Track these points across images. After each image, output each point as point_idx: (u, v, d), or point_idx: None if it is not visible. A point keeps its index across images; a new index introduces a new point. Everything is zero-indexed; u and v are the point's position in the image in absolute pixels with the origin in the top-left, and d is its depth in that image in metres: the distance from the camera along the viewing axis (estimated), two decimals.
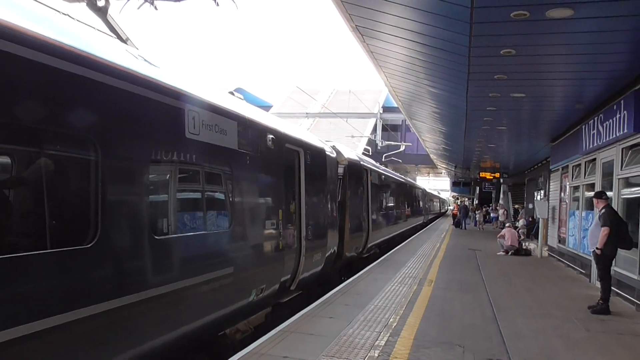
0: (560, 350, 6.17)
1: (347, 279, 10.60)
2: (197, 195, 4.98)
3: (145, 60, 4.94)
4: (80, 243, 3.40)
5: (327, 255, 9.44)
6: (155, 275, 4.19)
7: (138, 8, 7.21)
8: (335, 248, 10.27)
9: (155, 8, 7.24)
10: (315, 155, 8.83)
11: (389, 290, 9.35)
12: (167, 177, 4.58)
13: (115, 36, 5.74)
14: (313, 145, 8.83)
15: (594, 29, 6.94)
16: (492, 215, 33.94)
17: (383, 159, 35.42)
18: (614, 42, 7.52)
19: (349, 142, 34.50)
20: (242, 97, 7.55)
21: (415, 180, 61.49)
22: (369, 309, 7.77)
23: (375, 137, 33.72)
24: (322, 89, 63.74)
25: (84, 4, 5.51)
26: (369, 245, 13.92)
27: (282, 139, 7.10)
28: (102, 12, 5.45)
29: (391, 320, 7.16)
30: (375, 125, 40.47)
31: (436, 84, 11.48)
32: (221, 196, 5.53)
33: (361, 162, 13.35)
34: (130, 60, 4.17)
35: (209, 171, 5.25)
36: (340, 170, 11.32)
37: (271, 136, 6.61)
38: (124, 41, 5.79)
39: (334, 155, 10.40)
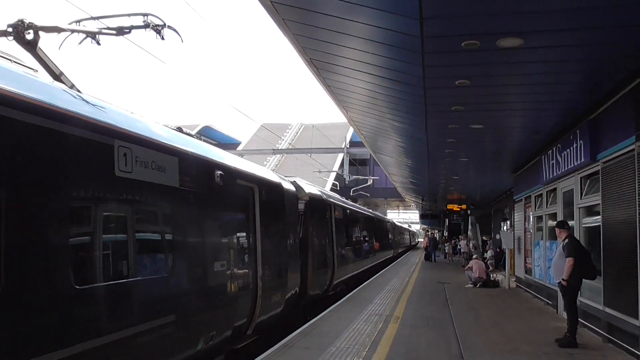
0: None
1: (312, 319, 10.17)
2: (125, 238, 4.58)
3: (76, 95, 4.62)
4: None
5: (287, 295, 9.03)
6: (77, 330, 3.76)
7: (79, 44, 6.93)
8: (298, 287, 9.87)
9: (98, 43, 6.96)
10: (272, 191, 8.53)
11: (354, 330, 8.97)
12: (92, 219, 4.19)
13: (46, 71, 5.41)
14: (269, 180, 8.54)
15: (545, 59, 6.95)
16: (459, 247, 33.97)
17: (351, 194, 35.36)
18: (565, 72, 7.58)
19: (316, 178, 34.43)
20: (191, 134, 7.24)
21: (385, 213, 61.69)
22: (331, 351, 7.37)
23: (342, 172, 33.63)
24: (290, 124, 64.09)
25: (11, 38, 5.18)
26: (334, 283, 13.54)
27: (232, 175, 6.79)
28: (30, 47, 5.12)
29: None
30: (343, 160, 40.59)
31: (396, 116, 11.42)
32: (158, 238, 5.15)
33: (324, 197, 13.09)
34: (45, 93, 3.83)
35: (144, 211, 4.88)
36: (302, 206, 11.03)
37: (219, 172, 6.30)
38: (57, 76, 5.45)
39: (293, 190, 10.12)
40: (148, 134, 4.95)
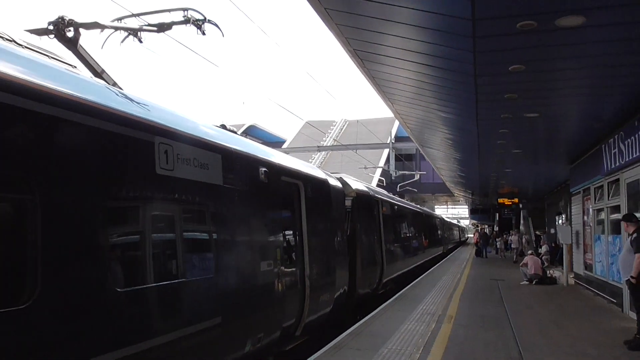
0: None
1: (362, 318, 9.90)
2: (170, 238, 4.45)
3: (119, 92, 4.52)
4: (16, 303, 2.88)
5: (336, 294, 8.79)
6: (120, 335, 3.65)
7: (121, 42, 6.91)
8: (346, 286, 9.62)
9: (140, 41, 6.92)
10: (318, 187, 8.31)
11: (405, 330, 8.64)
12: (131, 218, 4.07)
13: (87, 69, 5.37)
14: (315, 177, 8.32)
15: (608, 38, 6.42)
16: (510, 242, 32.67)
17: (398, 190, 34.81)
18: (630, 52, 6.96)
19: (362, 174, 34.08)
20: (235, 132, 7.10)
21: (433, 209, 60.56)
22: (383, 353, 7.09)
23: (388, 168, 33.15)
24: (334, 121, 63.88)
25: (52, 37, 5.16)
26: (384, 281, 13.20)
27: (277, 172, 6.60)
28: (71, 44, 5.08)
29: None
30: (389, 155, 40.00)
31: (445, 107, 10.98)
32: (202, 238, 5.00)
33: (371, 193, 12.77)
34: (83, 89, 3.72)
35: (187, 210, 4.74)
36: (349, 202, 10.76)
37: (264, 169, 6.12)
38: (99, 74, 5.41)
39: (339, 187, 9.87)
40: (190, 130, 4.81)
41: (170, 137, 4.38)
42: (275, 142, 57.89)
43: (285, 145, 50.21)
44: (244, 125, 60.91)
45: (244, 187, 5.65)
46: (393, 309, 10.89)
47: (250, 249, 5.73)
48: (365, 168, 32.12)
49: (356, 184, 11.62)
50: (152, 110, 4.57)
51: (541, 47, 6.74)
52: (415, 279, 17.01)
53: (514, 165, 17.80)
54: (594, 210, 13.53)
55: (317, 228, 7.99)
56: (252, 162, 5.93)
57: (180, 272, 4.48)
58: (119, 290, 3.64)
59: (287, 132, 62.97)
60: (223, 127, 6.96)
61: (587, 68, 7.64)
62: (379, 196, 14.05)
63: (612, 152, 11.06)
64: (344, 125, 60.27)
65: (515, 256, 26.10)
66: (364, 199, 11.74)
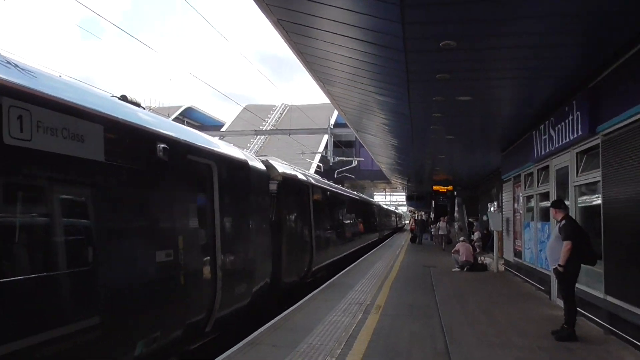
0: None
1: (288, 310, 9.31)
2: (30, 222, 3.62)
3: None
4: None
5: (256, 285, 8.14)
6: None
7: None
8: (269, 276, 8.98)
9: None
10: (235, 169, 7.58)
11: (330, 322, 8.13)
12: None
13: None
14: (231, 157, 7.57)
15: (542, 13, 6.02)
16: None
17: (335, 176, 34.49)
18: (564, 30, 6.65)
19: (301, 160, 33.47)
20: (138, 104, 6.25)
21: (372, 196, 60.98)
22: (300, 349, 6.52)
23: (327, 154, 32.70)
24: (275, 105, 62.85)
25: None
26: (313, 269, 12.68)
27: (181, 150, 5.83)
28: None
29: None
30: (328, 141, 39.57)
31: (378, 88, 10.47)
32: (72, 224, 4.18)
33: (300, 177, 12.15)
34: None
35: (51, 189, 3.90)
36: (274, 186, 10.09)
37: (163, 145, 5.33)
38: None
39: (263, 169, 9.16)
40: (58, 94, 3.94)
41: (26, 99, 3.53)
42: (213, 125, 56.41)
43: (223, 129, 48.83)
44: (181, 106, 58.89)
45: (135, 165, 4.85)
46: (320, 298, 10.37)
47: (140, 237, 4.95)
48: (303, 153, 31.55)
49: (283, 167, 10.96)
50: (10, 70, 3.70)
51: (473, 22, 6.30)
52: (348, 267, 16.63)
53: (447, 151, 17.73)
54: (523, 197, 13.54)
55: (232, 214, 7.28)
56: (146, 137, 5.12)
57: (38, 265, 3.67)
58: None
59: (227, 116, 61.47)
60: (124, 98, 6.11)
61: (519, 48, 7.29)
62: (310, 181, 13.46)
63: (543, 138, 10.96)
64: (284, 111, 59.40)
65: (443, 244, 26.00)
66: (291, 183, 11.10)
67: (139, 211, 4.92)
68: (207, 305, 6.41)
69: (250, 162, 8.38)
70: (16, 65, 3.99)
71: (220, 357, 6.04)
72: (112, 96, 5.85)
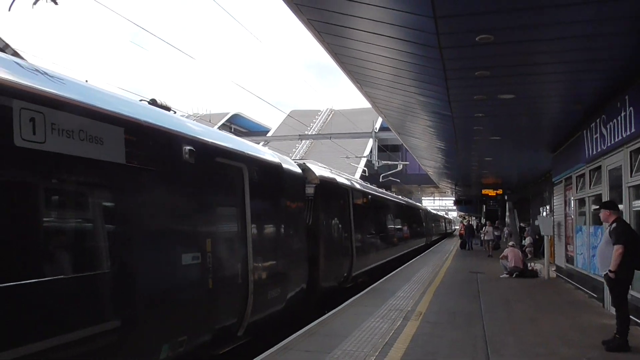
0: None
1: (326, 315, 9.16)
2: (33, 226, 3.63)
3: None
4: None
5: (291, 289, 8.03)
6: None
7: (34, 4, 6.08)
8: (305, 280, 8.86)
9: (55, 2, 6.09)
10: (268, 172, 7.51)
11: (367, 329, 7.91)
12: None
13: None
14: (264, 160, 7.51)
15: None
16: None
17: (380, 180, 34.09)
18: (615, 17, 6.17)
19: (346, 165, 33.30)
20: (168, 107, 6.28)
21: (420, 200, 60.02)
22: (334, 356, 6.35)
23: (371, 158, 32.36)
24: (320, 111, 63.03)
25: None
26: (354, 274, 12.47)
27: (209, 152, 5.80)
28: None
29: None
30: (373, 145, 39.17)
31: (416, 88, 10.18)
32: (88, 227, 4.19)
33: (338, 181, 11.99)
34: None
35: (69, 193, 3.92)
36: (311, 190, 9.98)
37: (189, 148, 5.30)
38: None
39: (298, 172, 9.07)
40: (73, 96, 3.97)
41: (39, 102, 3.56)
42: (259, 131, 57.11)
43: (269, 134, 49.33)
44: (228, 113, 59.98)
45: (158, 168, 4.83)
46: (359, 304, 10.16)
47: (164, 240, 4.92)
48: (347, 158, 31.32)
49: (320, 171, 10.84)
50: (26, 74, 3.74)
51: (511, 12, 5.98)
52: (391, 272, 16.31)
53: (494, 153, 17.12)
54: (575, 200, 12.88)
55: (264, 217, 7.21)
56: (170, 139, 5.11)
57: (57, 268, 3.68)
58: None
59: (273, 122, 62.14)
60: (153, 101, 6.16)
61: (564, 39, 6.87)
62: (349, 184, 13.27)
63: (594, 137, 10.38)
64: (329, 115, 59.43)
65: (490, 249, 24.71)
66: (329, 187, 10.96)
67: (159, 213, 4.90)
68: (239, 310, 6.35)
69: (285, 165, 8.30)
70: (45, 73, 4.06)
71: None
72: (141, 100, 5.90)
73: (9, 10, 5.79)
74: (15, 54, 4.65)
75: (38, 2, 6.02)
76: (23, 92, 3.48)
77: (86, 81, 5.16)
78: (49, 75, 4.06)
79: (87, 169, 3.94)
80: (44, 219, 3.74)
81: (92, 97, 4.26)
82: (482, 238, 32.04)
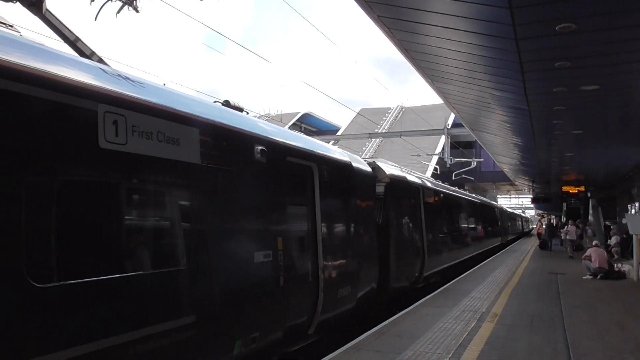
0: None
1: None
2: (116, 224, 3.81)
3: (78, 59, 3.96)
4: None
5: (361, 288, 7.98)
6: (41, 339, 3.06)
7: (117, 12, 6.40)
8: (375, 280, 8.78)
9: (136, 10, 6.39)
10: (338, 171, 7.50)
11: (439, 329, 7.73)
12: (66, 200, 3.45)
13: (60, 37, 4.84)
14: (334, 159, 7.51)
15: None
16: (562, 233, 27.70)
17: (453, 178, 33.26)
18: None
19: (416, 163, 32.78)
20: (241, 108, 6.43)
21: (495, 199, 58.00)
22: (405, 357, 6.24)
23: (443, 155, 31.62)
24: (390, 108, 62.47)
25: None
26: (425, 274, 12.22)
27: (280, 151, 5.87)
28: (35, 8, 4.55)
29: None
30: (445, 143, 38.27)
31: (491, 82, 9.86)
32: (166, 224, 4.35)
33: (409, 179, 11.79)
34: None
35: (146, 192, 4.09)
36: (381, 189, 9.88)
37: (260, 147, 5.39)
38: (72, 42, 4.87)
39: (368, 171, 9.00)
40: (150, 98, 4.14)
41: (120, 105, 3.75)
42: (329, 130, 57.44)
43: (338, 133, 49.51)
44: (298, 113, 60.80)
45: (232, 168, 4.95)
46: (431, 305, 9.94)
47: (238, 238, 5.04)
48: (418, 156, 30.80)
49: (391, 169, 10.70)
50: (110, 77, 3.95)
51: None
52: (465, 272, 15.85)
53: (576, 148, 16.22)
54: None
55: (334, 216, 7.20)
56: (243, 139, 5.22)
57: (136, 264, 3.86)
58: (37, 285, 3.06)
59: (343, 120, 62.22)
60: (226, 103, 6.33)
61: None
62: (420, 183, 13.02)
63: None
64: (399, 113, 58.75)
65: (570, 250, 22.60)
66: (400, 185, 10.79)
67: (235, 213, 5.02)
68: (310, 308, 6.39)
69: (354, 164, 8.26)
70: (127, 78, 4.27)
71: None
72: (215, 102, 6.07)
73: (95, 19, 6.16)
74: (100, 60, 4.92)
75: (121, 11, 6.38)
76: (107, 96, 3.68)
77: (164, 84, 5.39)
78: (131, 80, 4.27)
79: (165, 168, 4.10)
80: (125, 217, 3.93)
81: (169, 100, 4.44)
82: (562, 238, 30.42)
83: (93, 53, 5.02)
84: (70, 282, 3.30)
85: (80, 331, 3.36)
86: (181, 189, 4.35)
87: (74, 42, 4.88)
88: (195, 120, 4.54)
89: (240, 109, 6.33)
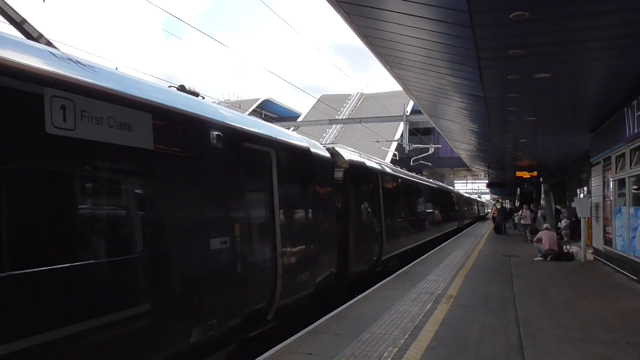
0: None
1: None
2: (65, 213, 3.68)
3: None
4: None
5: (320, 274, 8.03)
6: None
7: None
8: (334, 265, 8.85)
9: None
10: (296, 157, 7.48)
11: (396, 312, 7.88)
12: (10, 189, 3.30)
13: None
14: (292, 144, 7.48)
15: None
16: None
17: (412, 164, 33.75)
18: None
19: (376, 149, 33.06)
20: (197, 93, 6.31)
21: (452, 184, 59.25)
22: (363, 339, 6.34)
23: (402, 142, 31.99)
24: (350, 95, 62.66)
25: None
26: (384, 258, 12.41)
27: (237, 137, 5.80)
28: None
29: (385, 354, 5.71)
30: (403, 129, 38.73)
31: (448, 69, 9.97)
32: (118, 212, 4.25)
33: (368, 165, 11.89)
34: None
35: (97, 179, 3.97)
36: (340, 174, 9.92)
37: (217, 133, 5.31)
38: (19, 25, 4.66)
39: (327, 157, 9.02)
40: (102, 82, 4.00)
41: (68, 89, 3.60)
42: (290, 117, 57.19)
43: (299, 120, 49.37)
44: (259, 99, 60.22)
45: (187, 153, 4.86)
46: (389, 288, 10.11)
47: (194, 225, 4.97)
48: (378, 142, 31.08)
49: (350, 155, 10.75)
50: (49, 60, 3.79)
51: None
52: (422, 256, 16.18)
53: (529, 135, 16.70)
54: (614, 181, 12.47)
55: (293, 202, 7.20)
56: (198, 125, 5.12)
57: (88, 253, 3.75)
58: None
59: (304, 107, 61.98)
60: (181, 88, 6.20)
61: (609, 13, 6.54)
62: (379, 168, 13.15)
63: (636, 115, 10.00)
64: (359, 99, 59.01)
65: (527, 234, 23.23)
66: (358, 171, 10.87)
67: (191, 199, 4.94)
68: (268, 294, 6.39)
69: (313, 150, 8.26)
70: (77, 62, 4.11)
71: (280, 344, 6.01)
72: (170, 86, 5.93)
73: (44, 1, 5.89)
74: (48, 43, 4.71)
75: None
76: (54, 80, 3.53)
77: (116, 69, 5.22)
78: (81, 64, 4.12)
79: (116, 155, 3.99)
80: (74, 206, 3.80)
81: (121, 84, 4.30)
82: (516, 222, 31.37)
83: (41, 35, 4.82)
84: (17, 272, 3.19)
85: (29, 323, 3.26)
86: (133, 175, 4.24)
87: (20, 24, 4.67)
88: (148, 105, 4.43)
89: (196, 94, 6.22)
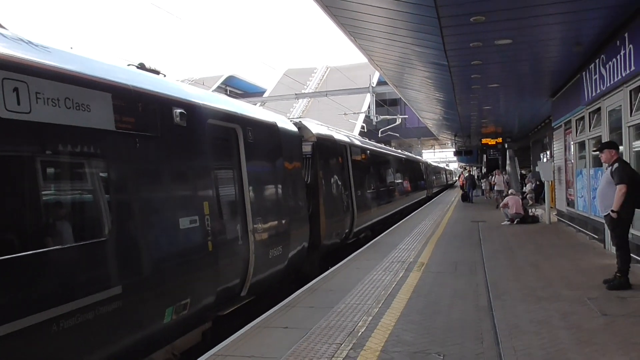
0: (569, 349, 4.79)
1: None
2: (26, 198, 3.58)
3: None
4: None
5: (292, 248, 8.07)
6: None
7: None
8: (306, 239, 8.90)
9: None
10: (263, 132, 7.42)
11: (369, 281, 8.00)
12: None
13: None
14: (258, 120, 7.40)
15: None
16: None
17: (380, 135, 33.94)
18: None
19: (344, 122, 33.07)
20: (157, 71, 6.15)
21: (420, 153, 59.93)
22: (338, 309, 6.42)
23: (369, 113, 32.07)
24: (316, 68, 62.16)
25: None
26: (355, 230, 12.54)
27: (201, 114, 5.70)
28: None
29: (360, 323, 5.81)
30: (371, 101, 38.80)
31: (411, 38, 9.95)
32: (82, 196, 4.16)
33: (336, 138, 11.89)
34: None
35: (56, 163, 3.87)
36: (308, 148, 9.90)
37: (180, 110, 5.21)
38: None
39: (294, 131, 8.98)
40: (57, 63, 3.85)
41: (20, 70, 3.46)
42: (256, 93, 56.49)
43: (265, 95, 48.83)
44: (222, 76, 59.14)
45: (150, 133, 4.76)
46: (361, 258, 10.25)
47: (161, 205, 4.90)
48: (345, 114, 31.09)
49: (317, 128, 10.73)
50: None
51: None
52: (393, 226, 16.41)
53: (493, 102, 16.93)
54: (575, 143, 12.81)
55: (262, 178, 7.17)
56: (160, 103, 5.01)
57: (53, 239, 3.66)
58: None
59: (270, 82, 61.25)
60: (141, 66, 6.03)
61: None
62: (347, 141, 13.17)
63: (593, 78, 10.23)
64: (325, 72, 58.65)
65: (500, 198, 23.68)
66: (326, 144, 10.87)
67: (156, 179, 4.86)
68: (241, 271, 6.39)
69: (280, 124, 8.20)
70: (29, 42, 3.95)
71: (256, 319, 6.04)
72: (129, 65, 5.77)
73: None
74: None
75: None
76: (4, 62, 3.38)
77: (71, 48, 5.03)
78: (33, 44, 3.95)
79: (75, 137, 3.87)
80: (36, 192, 3.70)
81: (77, 64, 4.16)
82: (482, 188, 32.00)
83: None
84: None
85: None
86: (95, 157, 4.13)
87: None
88: (106, 85, 4.30)
89: (157, 72, 6.07)
